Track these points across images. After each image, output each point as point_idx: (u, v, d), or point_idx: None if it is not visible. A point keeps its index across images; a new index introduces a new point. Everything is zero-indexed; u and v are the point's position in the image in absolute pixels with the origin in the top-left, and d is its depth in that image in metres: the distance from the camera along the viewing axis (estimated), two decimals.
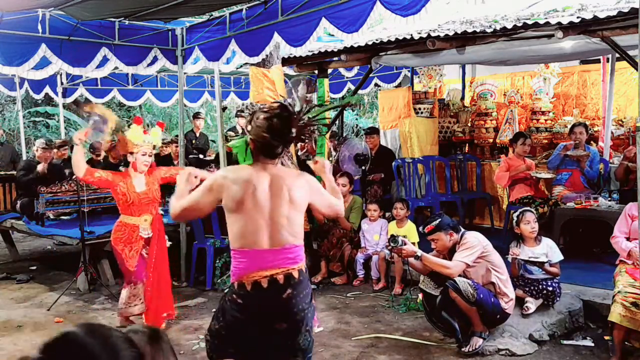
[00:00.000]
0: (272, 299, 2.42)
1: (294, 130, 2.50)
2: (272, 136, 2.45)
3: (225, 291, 2.61)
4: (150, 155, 4.44)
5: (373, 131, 7.61)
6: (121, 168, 4.68)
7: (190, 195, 2.51)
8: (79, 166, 4.20)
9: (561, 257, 4.20)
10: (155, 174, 4.54)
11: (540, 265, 4.16)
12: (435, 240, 3.91)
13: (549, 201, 5.90)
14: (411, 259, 3.94)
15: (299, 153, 8.23)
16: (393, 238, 3.90)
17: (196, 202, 2.46)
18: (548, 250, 4.18)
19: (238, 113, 10.28)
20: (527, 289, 4.19)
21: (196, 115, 9.83)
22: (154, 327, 1.45)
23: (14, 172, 7.15)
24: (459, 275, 3.80)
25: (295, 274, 2.46)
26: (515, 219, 4.30)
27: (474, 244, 3.81)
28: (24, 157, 8.12)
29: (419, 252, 3.86)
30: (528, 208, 4.41)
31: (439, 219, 3.89)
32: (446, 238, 3.87)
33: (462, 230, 3.96)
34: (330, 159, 8.37)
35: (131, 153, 4.40)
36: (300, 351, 2.51)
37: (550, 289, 4.15)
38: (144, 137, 4.39)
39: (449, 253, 3.93)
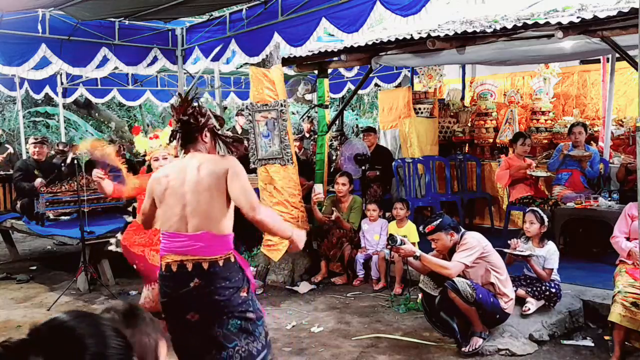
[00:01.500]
0: (181, 287, 2.51)
1: (182, 117, 2.61)
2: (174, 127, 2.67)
3: None
4: (165, 158, 4.16)
5: (370, 130, 7.62)
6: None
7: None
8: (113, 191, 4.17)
9: (555, 266, 4.20)
10: None
11: (525, 259, 4.16)
12: (436, 240, 3.91)
13: (549, 201, 5.91)
14: (410, 259, 3.94)
15: (298, 153, 8.24)
16: (392, 237, 3.90)
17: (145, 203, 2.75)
18: (546, 254, 4.18)
19: (238, 112, 10.30)
20: (529, 289, 4.18)
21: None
22: (131, 304, 1.45)
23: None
24: (458, 275, 3.80)
25: (205, 265, 2.47)
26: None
27: (474, 245, 3.81)
28: (24, 157, 8.10)
29: (418, 252, 3.86)
30: (535, 208, 4.39)
31: (440, 219, 3.89)
32: (447, 238, 3.87)
33: (463, 230, 3.96)
34: (334, 158, 8.39)
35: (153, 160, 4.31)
36: (220, 344, 2.51)
37: (554, 290, 4.15)
38: (150, 143, 4.26)
39: (449, 253, 3.93)
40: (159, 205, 2.63)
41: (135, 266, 4.35)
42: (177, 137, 2.65)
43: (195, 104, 2.63)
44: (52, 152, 7.92)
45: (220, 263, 2.50)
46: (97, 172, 4.14)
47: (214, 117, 2.68)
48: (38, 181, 6.55)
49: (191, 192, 2.52)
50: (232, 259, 2.55)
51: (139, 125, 4.56)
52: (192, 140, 2.62)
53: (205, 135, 2.64)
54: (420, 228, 4.06)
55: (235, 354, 2.53)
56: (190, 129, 2.61)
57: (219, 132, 2.69)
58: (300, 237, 2.73)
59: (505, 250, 4.20)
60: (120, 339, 1.07)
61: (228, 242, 2.56)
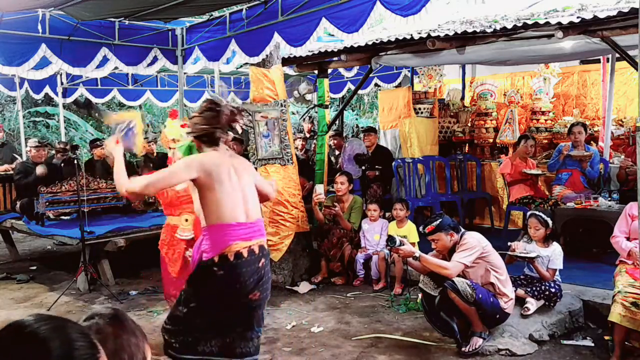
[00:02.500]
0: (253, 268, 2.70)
1: (224, 116, 2.77)
2: (210, 125, 2.75)
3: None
4: None
5: (370, 130, 7.62)
6: None
7: (163, 171, 2.78)
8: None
9: (560, 267, 4.20)
10: None
11: (530, 260, 4.16)
12: (436, 240, 3.91)
13: (549, 201, 5.91)
14: (410, 259, 3.95)
15: (298, 153, 8.24)
16: (390, 238, 3.90)
17: (171, 177, 2.71)
18: (552, 254, 4.18)
19: None
20: (529, 289, 4.18)
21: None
22: (115, 308, 1.45)
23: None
24: (458, 275, 3.80)
25: (266, 246, 2.79)
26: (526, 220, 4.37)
27: (473, 245, 3.81)
28: (24, 157, 8.10)
29: (417, 253, 3.86)
30: (537, 213, 4.38)
31: (440, 220, 3.89)
32: (447, 238, 3.87)
33: (463, 230, 3.96)
34: (333, 158, 8.39)
35: (170, 148, 4.10)
36: (258, 325, 2.81)
37: (553, 290, 4.14)
38: (182, 131, 4.00)
39: (449, 253, 3.93)
40: (207, 192, 2.65)
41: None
42: (211, 133, 2.77)
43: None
44: (53, 152, 7.91)
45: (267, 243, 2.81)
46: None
47: None
48: (40, 169, 6.54)
49: (244, 183, 2.76)
50: None
51: (176, 109, 4.42)
52: (219, 141, 2.81)
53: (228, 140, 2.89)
54: (420, 228, 4.06)
55: (256, 339, 2.79)
56: (227, 131, 2.81)
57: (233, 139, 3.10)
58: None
59: (510, 253, 4.19)
60: (86, 340, 1.04)
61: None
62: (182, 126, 4.12)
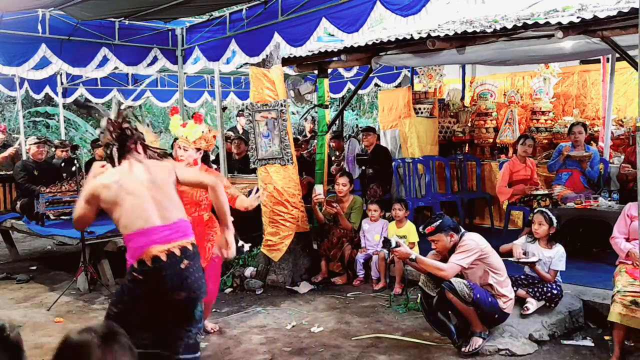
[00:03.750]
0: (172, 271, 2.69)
1: (110, 132, 2.86)
2: (108, 141, 2.89)
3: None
4: (186, 150, 4.05)
5: (369, 130, 7.62)
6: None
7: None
8: None
9: (562, 268, 4.19)
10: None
11: (531, 265, 4.16)
12: (436, 241, 3.91)
13: (551, 195, 5.90)
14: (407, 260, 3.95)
15: (303, 153, 8.25)
16: (386, 241, 3.89)
17: (77, 205, 2.85)
18: (554, 256, 4.17)
19: (239, 112, 10.30)
20: (529, 289, 4.18)
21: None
22: (110, 326, 1.42)
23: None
24: (456, 275, 3.80)
25: (190, 247, 2.75)
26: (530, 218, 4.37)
27: (471, 247, 3.80)
28: (24, 157, 8.10)
29: (413, 255, 3.86)
30: (543, 209, 4.37)
31: (440, 220, 3.89)
32: (446, 239, 3.87)
33: (463, 231, 3.95)
34: (333, 158, 8.40)
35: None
36: (189, 325, 2.79)
37: (555, 292, 4.14)
38: (181, 130, 4.07)
39: (449, 253, 3.93)
40: (113, 208, 2.73)
41: None
42: (113, 150, 2.86)
43: (128, 121, 2.90)
44: (53, 150, 7.91)
45: (195, 243, 2.81)
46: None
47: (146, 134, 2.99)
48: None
49: (154, 188, 2.75)
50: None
51: (177, 107, 4.35)
52: (129, 150, 2.85)
53: (139, 148, 2.90)
54: (420, 229, 4.05)
55: (187, 338, 2.79)
56: (125, 142, 2.84)
57: (150, 146, 2.96)
58: (229, 238, 3.04)
59: (511, 259, 4.19)
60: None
61: (191, 226, 2.86)
62: (183, 125, 4.13)
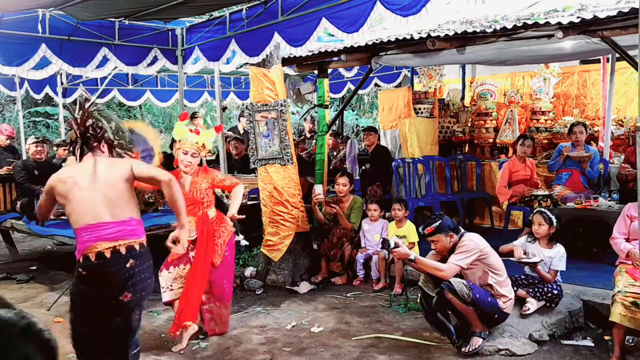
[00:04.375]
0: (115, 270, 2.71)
1: (82, 128, 2.92)
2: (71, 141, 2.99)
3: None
4: (194, 156, 4.14)
5: (370, 130, 7.63)
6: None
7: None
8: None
9: (563, 269, 4.19)
10: (208, 176, 4.27)
11: (532, 265, 4.16)
12: (435, 241, 3.90)
13: (551, 195, 5.91)
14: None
15: (302, 154, 8.25)
16: (385, 242, 3.88)
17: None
18: (555, 256, 4.17)
19: (242, 114, 10.30)
20: (530, 289, 4.18)
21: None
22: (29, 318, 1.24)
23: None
24: (455, 275, 3.80)
25: (137, 247, 2.77)
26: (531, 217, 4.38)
27: (471, 248, 3.80)
28: (24, 157, 8.10)
29: (412, 255, 3.85)
30: (543, 210, 4.38)
31: (439, 221, 3.89)
32: (446, 240, 3.86)
33: (462, 231, 3.95)
34: (336, 156, 8.40)
35: (176, 149, 4.22)
36: (135, 328, 2.84)
37: (556, 292, 4.14)
38: (188, 135, 4.12)
39: (448, 254, 3.93)
40: (66, 203, 2.79)
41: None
42: (77, 146, 2.92)
43: (93, 118, 2.94)
44: (55, 150, 7.90)
45: (145, 244, 2.83)
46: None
47: (117, 131, 3.02)
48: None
49: (106, 185, 2.78)
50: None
51: (187, 112, 4.39)
52: (91, 149, 2.92)
53: (103, 146, 2.96)
54: (420, 229, 4.05)
55: (133, 343, 2.84)
56: (89, 140, 2.91)
57: (115, 143, 3.00)
58: (180, 236, 3.02)
59: (512, 259, 4.19)
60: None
61: (143, 227, 2.89)
62: (196, 132, 4.19)
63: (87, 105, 2.95)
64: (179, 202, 2.96)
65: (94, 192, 2.75)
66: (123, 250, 2.71)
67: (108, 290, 2.71)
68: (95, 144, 2.91)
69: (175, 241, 3.02)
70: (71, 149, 2.97)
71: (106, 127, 2.96)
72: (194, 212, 4.18)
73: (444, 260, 3.93)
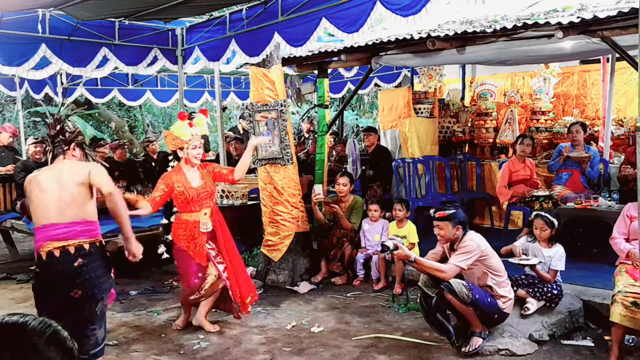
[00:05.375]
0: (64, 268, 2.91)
1: (52, 131, 3.16)
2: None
3: None
4: (201, 147, 4.37)
5: (370, 130, 7.63)
6: (172, 164, 4.54)
7: None
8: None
9: (562, 268, 4.19)
10: (208, 168, 4.46)
11: (533, 267, 4.16)
12: (441, 227, 3.88)
13: (552, 198, 5.91)
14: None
15: (299, 154, 8.24)
16: (384, 246, 3.87)
17: None
18: (554, 255, 4.17)
19: (242, 115, 10.30)
20: (530, 289, 4.17)
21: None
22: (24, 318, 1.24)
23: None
24: (455, 276, 3.80)
25: (86, 246, 2.96)
26: (531, 219, 4.39)
27: (472, 249, 3.79)
28: (24, 157, 8.10)
29: (413, 257, 3.85)
30: (542, 213, 4.37)
31: (454, 211, 3.87)
32: (452, 231, 3.85)
33: (468, 230, 3.94)
34: (331, 158, 8.40)
35: (181, 149, 4.33)
36: (91, 322, 2.98)
37: (556, 292, 4.14)
38: (191, 130, 4.29)
39: (450, 247, 3.94)
40: (29, 203, 3.04)
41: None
42: (48, 149, 3.16)
43: (65, 123, 3.17)
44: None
45: (98, 244, 3.02)
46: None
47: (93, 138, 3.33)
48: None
49: (62, 188, 2.96)
50: (103, 243, 3.07)
51: (184, 112, 4.49)
52: (62, 152, 3.13)
53: (75, 149, 3.16)
54: (432, 211, 4.02)
55: (92, 336, 2.96)
56: (60, 143, 3.12)
57: (87, 147, 3.24)
58: (135, 246, 3.15)
59: (512, 260, 4.19)
60: None
61: (98, 227, 3.07)
62: (191, 125, 4.27)
63: (61, 109, 3.23)
64: (120, 214, 3.06)
65: (49, 195, 2.95)
66: (72, 250, 2.91)
67: (58, 287, 2.90)
68: (65, 147, 3.12)
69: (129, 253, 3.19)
70: (45, 151, 3.22)
71: (79, 132, 3.20)
72: (208, 204, 4.36)
73: (443, 260, 3.94)
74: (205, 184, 4.34)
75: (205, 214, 4.30)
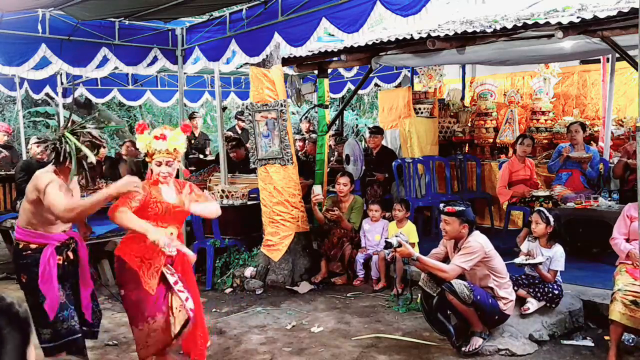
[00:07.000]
0: None
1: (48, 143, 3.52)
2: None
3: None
4: (169, 164, 3.34)
5: (377, 131, 7.61)
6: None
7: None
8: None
9: (562, 268, 4.19)
10: (187, 192, 3.50)
11: (535, 267, 4.16)
12: (448, 222, 3.88)
13: (552, 197, 5.91)
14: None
15: (299, 154, 8.24)
16: (387, 243, 3.88)
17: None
18: (553, 255, 4.17)
19: (237, 116, 10.30)
20: (530, 289, 4.17)
21: (191, 116, 9.78)
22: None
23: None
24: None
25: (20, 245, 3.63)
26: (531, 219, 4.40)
27: (475, 250, 3.79)
28: (24, 157, 8.10)
29: (415, 255, 3.85)
30: (541, 209, 4.39)
31: (463, 209, 3.87)
32: (458, 227, 3.85)
33: (474, 231, 3.93)
34: (332, 158, 8.40)
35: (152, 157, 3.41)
36: None
37: (556, 292, 4.14)
38: (155, 144, 3.34)
39: (455, 245, 3.94)
40: None
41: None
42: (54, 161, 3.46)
43: (62, 145, 3.38)
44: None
45: (21, 246, 3.68)
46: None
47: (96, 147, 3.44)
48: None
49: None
50: (21, 246, 3.66)
51: (143, 123, 3.50)
52: (59, 164, 3.42)
53: (70, 163, 3.38)
54: (441, 205, 4.02)
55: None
56: (55, 157, 3.43)
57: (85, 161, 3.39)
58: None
59: (516, 261, 4.20)
60: None
61: (23, 234, 3.68)
62: (161, 138, 3.37)
63: (67, 124, 3.48)
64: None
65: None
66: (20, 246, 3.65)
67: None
68: (61, 160, 3.39)
69: None
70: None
71: (68, 152, 3.37)
72: (177, 225, 3.50)
73: (445, 260, 3.94)
74: (182, 204, 3.41)
75: (172, 233, 3.36)
